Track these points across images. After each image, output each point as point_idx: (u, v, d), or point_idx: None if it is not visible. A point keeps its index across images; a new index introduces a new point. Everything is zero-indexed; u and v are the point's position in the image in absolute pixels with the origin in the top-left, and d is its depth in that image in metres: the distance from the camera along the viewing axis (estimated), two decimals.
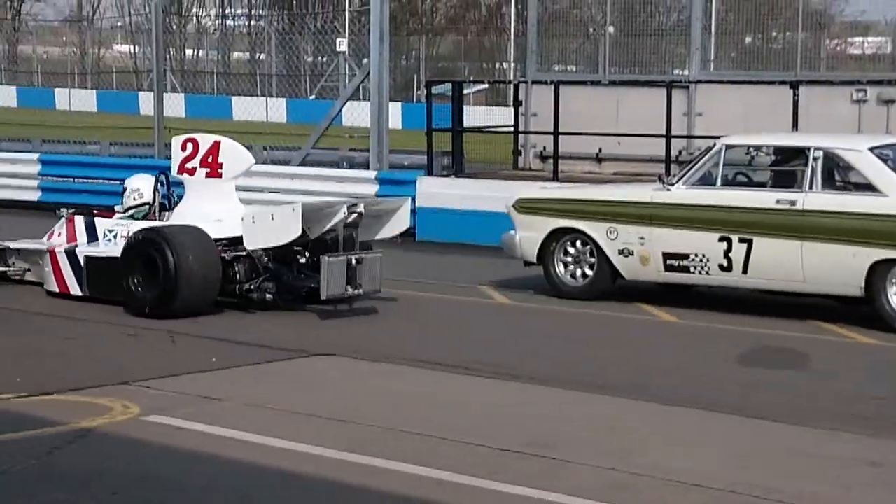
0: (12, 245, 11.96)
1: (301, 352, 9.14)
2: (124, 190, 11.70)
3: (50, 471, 6.14)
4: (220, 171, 11.14)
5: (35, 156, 19.70)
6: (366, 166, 17.25)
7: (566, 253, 11.68)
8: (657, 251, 11.13)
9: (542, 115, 17.48)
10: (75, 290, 11.10)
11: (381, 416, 7.27)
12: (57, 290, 11.25)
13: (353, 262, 10.46)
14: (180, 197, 11.44)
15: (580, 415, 7.50)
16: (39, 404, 7.42)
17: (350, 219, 10.52)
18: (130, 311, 10.42)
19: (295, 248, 10.65)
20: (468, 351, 9.30)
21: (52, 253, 11.29)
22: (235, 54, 48.45)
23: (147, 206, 11.50)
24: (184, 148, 11.25)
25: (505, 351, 9.41)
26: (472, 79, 38.17)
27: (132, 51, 50.72)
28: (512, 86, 20.12)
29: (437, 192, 16.04)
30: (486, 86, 37.92)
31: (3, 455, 6.35)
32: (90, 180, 19.03)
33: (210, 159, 11.17)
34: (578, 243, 11.60)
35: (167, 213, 11.37)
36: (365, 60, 18.48)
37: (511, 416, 7.39)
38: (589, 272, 11.57)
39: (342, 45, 35.79)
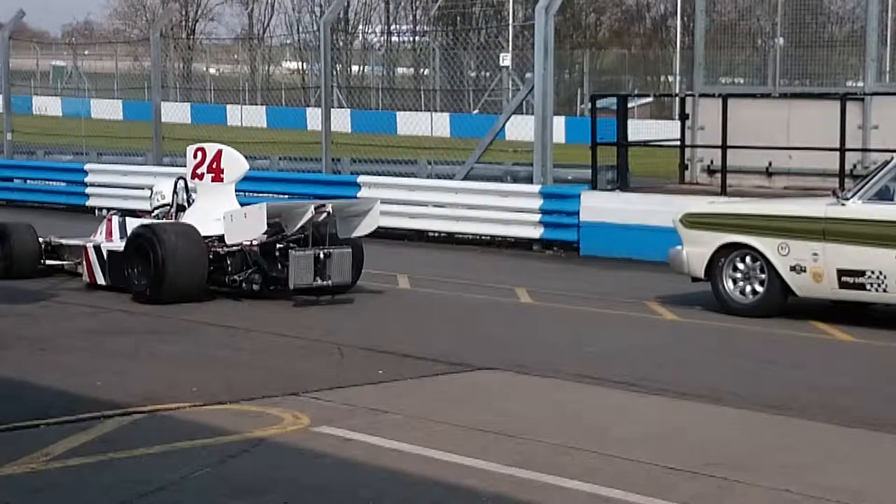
0: (64, 241, 13.37)
1: (466, 366, 9.17)
2: (151, 193, 13.21)
3: (223, 479, 6.27)
4: (221, 175, 12.45)
5: None
6: (529, 181, 17.24)
7: (735, 269, 11.48)
8: (831, 267, 10.85)
9: (709, 129, 17.21)
10: (100, 280, 12.49)
11: (547, 431, 7.23)
12: (88, 280, 12.62)
13: (321, 255, 11.65)
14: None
15: (750, 434, 7.34)
16: (213, 413, 7.59)
17: (320, 217, 11.71)
18: (134, 297, 11.76)
19: (277, 243, 11.87)
20: (634, 367, 9.19)
21: (85, 249, 12.70)
22: (400, 70, 48.99)
23: (167, 207, 12.87)
24: (195, 156, 12.54)
25: (672, 367, 9.28)
26: (636, 92, 37.85)
27: (300, 67, 51.70)
28: (678, 99, 19.86)
29: (602, 206, 15.93)
30: (651, 99, 37.57)
31: (179, 462, 6.51)
32: (260, 194, 19.43)
33: (214, 166, 12.45)
34: (748, 259, 11.39)
35: (182, 214, 12.67)
36: (528, 75, 18.49)
37: (680, 434, 7.28)
38: (759, 289, 11.34)
39: (505, 59, 35.86)
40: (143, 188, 20.26)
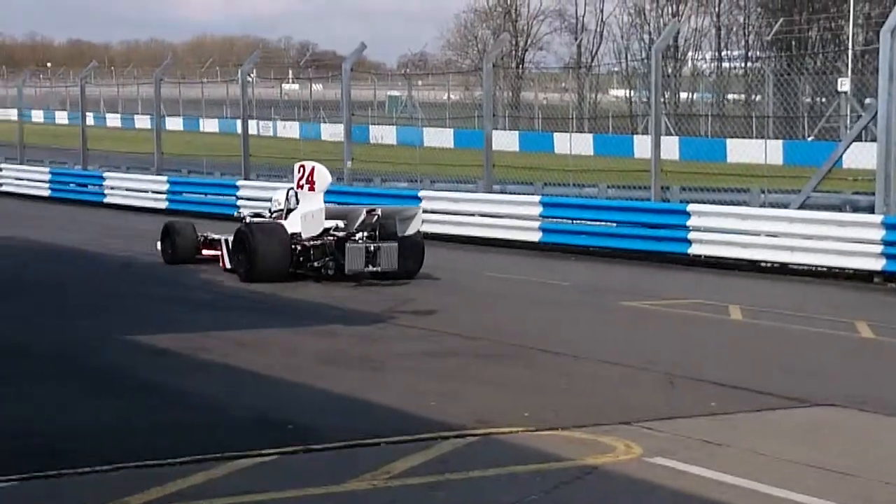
0: (214, 235, 16.57)
1: (802, 401, 8.85)
2: (271, 201, 16.46)
3: None
4: (314, 186, 15.49)
5: (537, 198, 20.42)
6: (870, 211, 16.53)
7: None
8: None
9: None
10: (227, 265, 15.73)
11: (893, 473, 6.87)
12: (221, 265, 15.97)
13: (371, 248, 14.87)
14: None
15: None
16: (545, 439, 7.61)
17: (372, 219, 15.01)
18: (238, 278, 14.95)
19: (346, 240, 14.93)
20: None
21: (220, 241, 16.08)
22: (730, 96, 48.16)
23: (281, 211, 15.94)
24: (299, 171, 15.75)
25: None
26: None
27: (627, 95, 51.67)
28: None
29: None
30: None
31: (512, 486, 6.56)
32: (589, 222, 19.50)
33: (310, 178, 15.57)
34: None
35: (290, 216, 15.64)
36: (869, 100, 17.75)
37: None
38: None
39: (844, 84, 34.63)
40: (473, 214, 20.79)
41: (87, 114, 31.29)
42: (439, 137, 47.13)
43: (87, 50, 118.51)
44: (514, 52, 61.02)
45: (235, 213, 18.61)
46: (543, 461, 7.06)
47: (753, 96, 44.50)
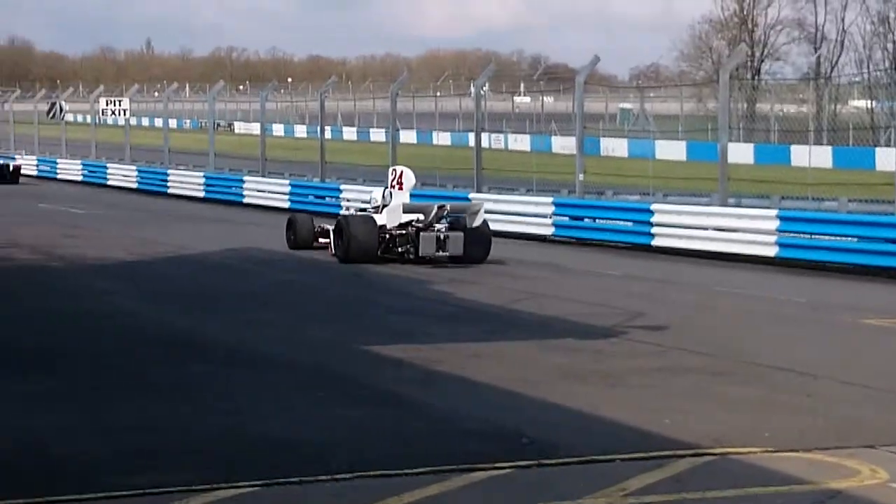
0: (326, 226, 19.54)
1: None
2: (370, 198, 19.79)
3: None
4: (402, 186, 19.03)
5: (774, 212, 19.92)
6: None
7: None
8: None
9: None
10: (333, 250, 18.73)
11: None
12: (330, 252, 18.83)
13: (441, 236, 18.09)
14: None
15: None
16: (786, 460, 7.40)
17: (443, 213, 18.38)
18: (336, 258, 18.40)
19: (424, 229, 18.15)
20: None
21: (329, 230, 19.14)
22: None
23: (378, 206, 18.96)
24: (392, 173, 19.37)
25: None
26: None
27: (869, 106, 49.95)
28: None
29: None
30: None
31: None
32: (828, 237, 18.92)
33: (400, 179, 19.07)
34: None
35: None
36: None
37: None
38: None
39: None
40: (706, 228, 20.43)
41: (325, 127, 32.15)
42: (672, 150, 46.57)
43: (325, 65, 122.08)
44: (749, 63, 59.80)
45: (341, 210, 22.37)
46: (784, 483, 6.86)
47: None
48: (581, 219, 23.31)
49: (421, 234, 18.06)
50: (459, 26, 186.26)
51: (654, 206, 21.92)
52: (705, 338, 12.13)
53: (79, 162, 42.77)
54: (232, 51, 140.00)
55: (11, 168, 40.40)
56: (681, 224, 20.83)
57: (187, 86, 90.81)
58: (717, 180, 20.92)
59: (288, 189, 30.97)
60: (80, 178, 41.49)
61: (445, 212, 18.46)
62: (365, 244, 18.10)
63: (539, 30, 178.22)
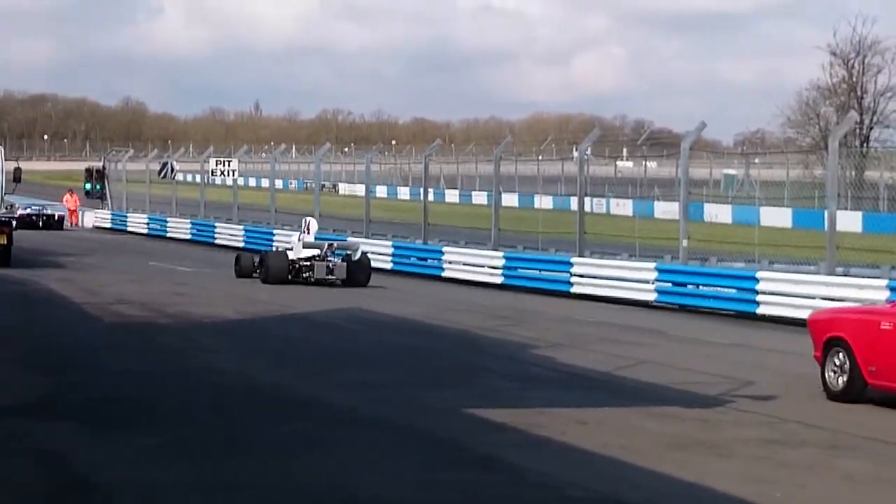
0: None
1: None
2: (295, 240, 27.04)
3: None
4: (309, 231, 26.77)
5: (884, 282, 19.56)
6: None
7: None
8: None
9: None
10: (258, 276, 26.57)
11: None
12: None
13: (330, 265, 25.52)
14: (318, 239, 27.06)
15: None
16: None
17: (332, 249, 26.14)
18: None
19: (319, 260, 25.76)
20: None
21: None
22: None
23: (293, 246, 26.63)
24: (302, 223, 27.48)
25: None
26: None
27: None
28: None
29: None
30: None
31: None
32: None
33: (308, 226, 26.84)
34: None
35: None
36: None
37: None
38: None
39: None
40: (814, 297, 20.10)
41: (429, 189, 32.37)
42: (777, 217, 46.02)
43: (429, 128, 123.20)
44: (858, 130, 59.03)
45: (271, 248, 29.47)
46: None
47: None
48: (684, 285, 23.13)
49: (316, 264, 25.57)
50: (564, 90, 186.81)
51: (759, 274, 21.67)
52: (815, 409, 11.93)
53: (188, 221, 43.58)
54: (338, 113, 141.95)
55: (56, 217, 47.18)
56: (788, 292, 20.57)
57: (293, 147, 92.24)
58: (825, 248, 20.64)
59: (391, 250, 31.20)
60: (188, 237, 42.28)
61: (334, 248, 26.24)
62: (278, 271, 25.46)
63: (642, 94, 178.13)
